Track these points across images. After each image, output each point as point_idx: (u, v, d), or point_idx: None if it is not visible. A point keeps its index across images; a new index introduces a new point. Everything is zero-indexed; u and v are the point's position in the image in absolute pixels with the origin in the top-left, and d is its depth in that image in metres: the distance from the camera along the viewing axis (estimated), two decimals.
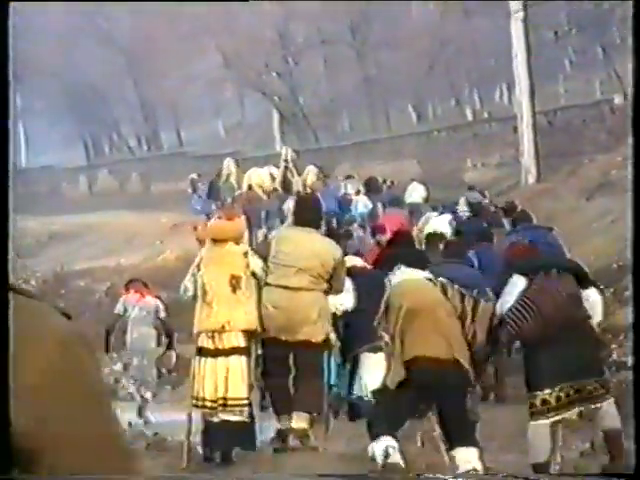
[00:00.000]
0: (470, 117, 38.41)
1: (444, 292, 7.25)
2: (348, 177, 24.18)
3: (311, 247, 8.50)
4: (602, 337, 8.41)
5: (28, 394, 1.46)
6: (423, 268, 7.64)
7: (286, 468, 7.72)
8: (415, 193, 20.57)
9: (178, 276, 14.38)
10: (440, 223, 14.61)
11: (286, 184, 24.09)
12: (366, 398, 9.34)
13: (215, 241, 8.59)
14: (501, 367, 10.77)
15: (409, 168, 29.93)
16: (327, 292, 8.64)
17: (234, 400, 8.14)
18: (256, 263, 8.42)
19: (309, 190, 22.51)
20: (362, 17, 38.60)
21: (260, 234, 19.72)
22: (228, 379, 8.19)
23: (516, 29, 25.38)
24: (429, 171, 29.47)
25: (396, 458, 7.04)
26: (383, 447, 7.08)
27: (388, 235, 12.61)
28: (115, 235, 29.14)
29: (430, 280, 7.43)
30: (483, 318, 7.20)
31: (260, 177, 23.60)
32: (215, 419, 8.21)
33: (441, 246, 10.97)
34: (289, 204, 17.86)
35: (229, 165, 25.87)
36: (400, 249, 9.59)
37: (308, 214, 8.84)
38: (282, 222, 20.35)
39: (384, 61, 38.37)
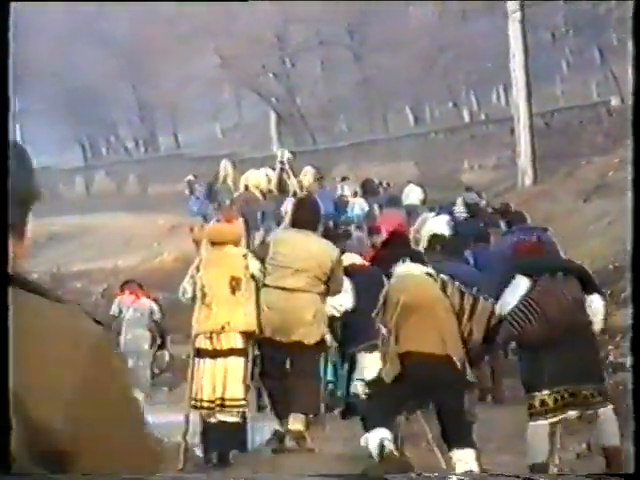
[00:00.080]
0: (467, 119, 38.45)
1: (443, 289, 7.26)
2: (344, 179, 24.18)
3: (308, 248, 8.52)
4: (600, 340, 8.38)
5: (63, 397, 1.50)
6: None
7: (283, 469, 7.72)
8: (412, 195, 20.57)
9: (175, 277, 14.39)
10: (439, 224, 14.61)
11: (282, 186, 24.09)
12: (363, 397, 9.35)
13: (214, 243, 8.62)
14: (498, 368, 10.78)
15: (406, 170, 29.95)
16: (324, 294, 8.66)
17: (231, 401, 8.16)
18: (255, 265, 8.45)
19: (306, 192, 22.50)
20: (359, 19, 38.62)
21: (257, 235, 19.72)
22: (226, 380, 8.21)
23: (513, 31, 25.40)
24: (426, 173, 29.49)
25: (391, 449, 7.07)
26: (378, 439, 7.10)
27: (383, 236, 12.60)
28: (112, 237, 29.16)
29: (430, 276, 7.44)
30: (481, 316, 7.21)
31: (257, 178, 23.58)
32: (212, 420, 8.22)
33: (438, 247, 10.96)
34: (287, 206, 17.87)
35: (226, 166, 25.85)
36: (396, 249, 9.60)
37: (306, 216, 8.85)
38: (278, 224, 20.37)
39: (381, 63, 38.37)
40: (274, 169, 23.79)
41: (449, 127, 35.71)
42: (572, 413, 7.30)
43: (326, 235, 10.09)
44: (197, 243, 22.26)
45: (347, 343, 9.82)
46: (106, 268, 25.34)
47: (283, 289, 8.43)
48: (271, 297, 8.41)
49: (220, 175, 25.40)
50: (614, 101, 29.25)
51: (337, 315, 9.31)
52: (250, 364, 8.49)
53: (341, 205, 21.18)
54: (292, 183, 23.66)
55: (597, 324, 7.52)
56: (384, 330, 7.36)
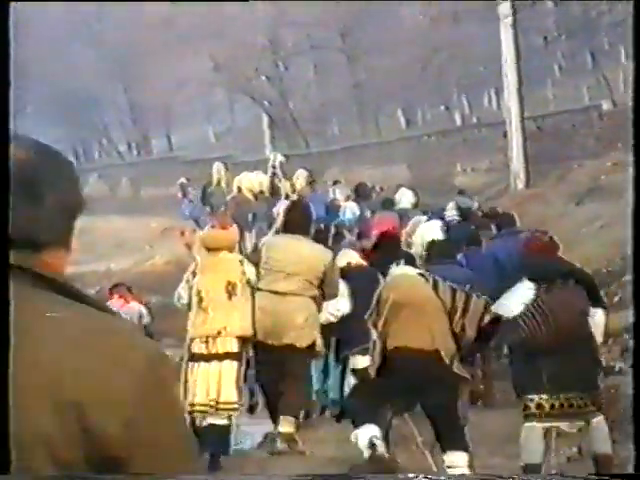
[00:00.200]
0: (459, 122, 38.47)
1: (435, 288, 7.27)
2: (335, 183, 24.15)
3: (299, 252, 8.55)
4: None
5: (120, 408, 1.58)
6: None
7: (274, 472, 7.72)
8: (404, 199, 20.53)
9: (168, 281, 14.39)
10: (434, 230, 14.59)
11: (274, 190, 24.12)
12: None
13: (209, 249, 8.66)
14: (489, 371, 10.79)
15: (399, 173, 29.95)
16: (318, 298, 8.68)
17: (225, 404, 8.19)
18: (251, 270, 8.49)
19: (298, 195, 22.52)
20: (352, 23, 38.62)
21: (248, 237, 19.73)
22: (220, 383, 8.23)
23: (505, 34, 25.42)
24: (419, 176, 29.48)
25: (381, 450, 7.08)
26: (368, 437, 7.11)
27: (372, 239, 12.59)
28: (105, 239, 29.11)
29: (423, 276, 7.47)
30: (474, 313, 7.22)
31: (250, 181, 23.59)
32: (204, 423, 8.23)
33: (435, 252, 10.88)
34: (279, 208, 17.88)
35: (219, 169, 25.86)
36: (386, 252, 9.64)
37: (298, 220, 8.88)
38: (270, 225, 20.39)
39: (374, 66, 38.38)
40: (266, 173, 23.85)
41: (441, 130, 35.72)
42: (565, 424, 7.31)
43: (317, 238, 10.11)
44: (189, 247, 22.30)
45: (341, 346, 9.83)
46: (99, 271, 25.32)
47: (275, 293, 8.47)
48: (263, 301, 8.45)
49: (214, 178, 25.43)
50: (606, 105, 29.29)
51: (334, 320, 9.34)
52: (244, 367, 8.53)
53: (333, 209, 21.15)
54: (284, 187, 23.69)
55: (597, 336, 7.54)
56: (374, 334, 7.37)
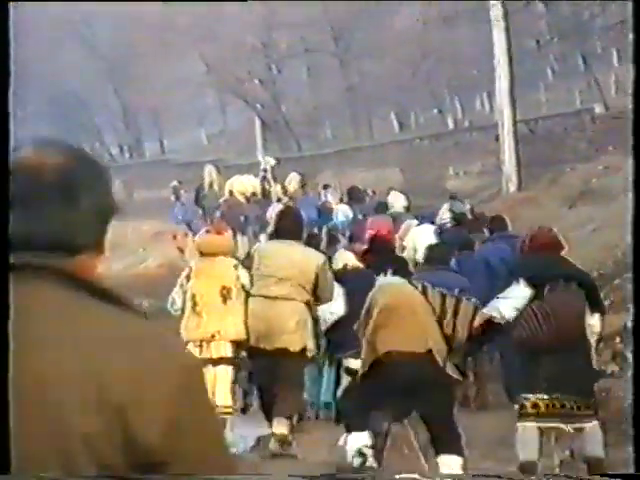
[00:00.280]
0: (452, 125, 38.52)
1: (424, 293, 7.28)
2: (325, 187, 24.15)
3: (291, 257, 8.59)
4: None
5: (159, 409, 1.61)
6: (403, 275, 7.69)
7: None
8: (397, 204, 20.55)
9: (160, 284, 14.37)
10: (428, 235, 14.58)
11: (265, 193, 24.17)
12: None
13: (204, 254, 8.70)
14: (482, 374, 10.79)
15: (391, 176, 29.97)
16: (310, 303, 8.69)
17: (219, 408, 8.20)
18: (245, 275, 8.54)
19: (289, 198, 22.57)
20: (345, 26, 38.68)
21: (240, 240, 19.75)
22: (215, 387, 8.26)
23: (498, 37, 25.45)
24: (411, 179, 29.52)
25: (370, 460, 7.08)
26: (357, 446, 7.11)
27: (364, 243, 12.58)
28: None
29: (410, 283, 7.47)
30: (465, 316, 7.22)
31: (242, 184, 23.65)
32: None
33: (431, 257, 10.83)
34: (271, 212, 17.91)
35: (211, 172, 25.92)
36: (379, 256, 9.63)
37: (289, 226, 8.91)
38: (261, 227, 20.44)
39: (367, 70, 38.44)
40: (257, 176, 23.92)
41: (434, 134, 35.78)
42: (560, 425, 7.31)
43: (310, 243, 10.14)
44: (181, 250, 22.32)
45: (335, 348, 9.84)
46: None
47: (267, 297, 8.50)
48: (255, 305, 8.49)
49: (206, 181, 25.46)
50: (598, 108, 29.35)
51: (329, 324, 9.37)
52: (237, 371, 8.57)
53: (325, 212, 21.17)
54: (275, 190, 23.74)
55: (592, 341, 7.54)
56: (364, 342, 7.37)
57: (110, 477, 1.61)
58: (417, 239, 14.80)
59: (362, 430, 7.22)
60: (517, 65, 26.41)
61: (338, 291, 9.26)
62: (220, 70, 38.92)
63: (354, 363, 9.19)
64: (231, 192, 23.14)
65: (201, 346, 8.32)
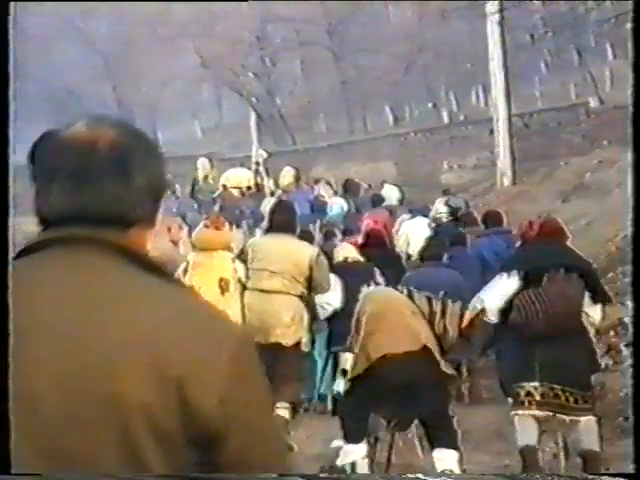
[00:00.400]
0: (446, 119, 38.48)
1: (410, 297, 7.30)
2: (317, 181, 24.09)
3: (283, 250, 8.62)
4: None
5: (215, 383, 1.65)
6: (397, 271, 7.72)
7: None
8: (391, 195, 20.53)
9: None
10: (421, 228, 14.59)
11: (258, 187, 24.14)
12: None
13: (202, 249, 8.74)
14: (475, 369, 10.81)
15: (386, 170, 29.96)
16: (305, 296, 8.70)
17: None
18: (241, 268, 8.56)
19: (283, 192, 22.55)
20: (339, 20, 38.63)
21: (235, 233, 19.71)
22: None
23: (492, 32, 25.45)
24: (405, 173, 29.52)
25: (364, 469, 7.10)
26: (352, 459, 7.14)
27: (360, 236, 12.58)
28: None
29: (395, 289, 7.52)
30: (452, 316, 7.24)
31: (237, 177, 23.61)
32: None
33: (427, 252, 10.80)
34: (266, 206, 17.90)
35: (204, 164, 25.87)
36: (373, 252, 9.65)
37: (282, 220, 8.94)
38: (256, 221, 20.42)
39: (361, 63, 38.41)
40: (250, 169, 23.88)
41: (428, 128, 35.73)
42: (555, 415, 7.31)
43: (304, 237, 10.15)
44: (175, 243, 22.28)
45: (333, 341, 9.85)
46: None
47: (261, 291, 8.54)
48: (251, 299, 8.51)
49: (200, 174, 25.43)
50: (592, 102, 29.37)
51: (325, 315, 9.36)
52: None
53: (318, 206, 21.11)
54: (267, 184, 23.71)
55: (591, 333, 7.55)
56: (355, 349, 7.38)
57: (117, 478, 1.63)
58: (410, 232, 14.81)
59: (359, 442, 7.22)
60: (512, 59, 26.42)
61: (336, 283, 9.28)
62: (215, 64, 38.85)
63: (350, 358, 9.22)
64: (225, 186, 23.12)
65: None
